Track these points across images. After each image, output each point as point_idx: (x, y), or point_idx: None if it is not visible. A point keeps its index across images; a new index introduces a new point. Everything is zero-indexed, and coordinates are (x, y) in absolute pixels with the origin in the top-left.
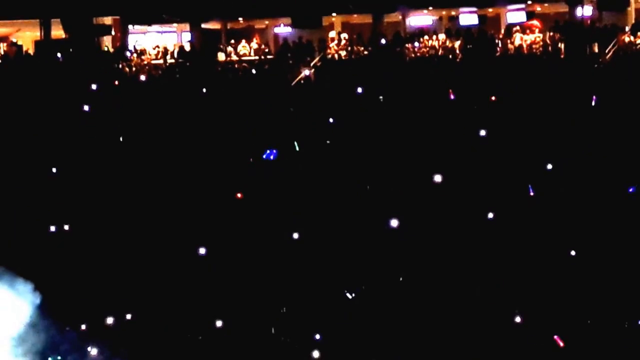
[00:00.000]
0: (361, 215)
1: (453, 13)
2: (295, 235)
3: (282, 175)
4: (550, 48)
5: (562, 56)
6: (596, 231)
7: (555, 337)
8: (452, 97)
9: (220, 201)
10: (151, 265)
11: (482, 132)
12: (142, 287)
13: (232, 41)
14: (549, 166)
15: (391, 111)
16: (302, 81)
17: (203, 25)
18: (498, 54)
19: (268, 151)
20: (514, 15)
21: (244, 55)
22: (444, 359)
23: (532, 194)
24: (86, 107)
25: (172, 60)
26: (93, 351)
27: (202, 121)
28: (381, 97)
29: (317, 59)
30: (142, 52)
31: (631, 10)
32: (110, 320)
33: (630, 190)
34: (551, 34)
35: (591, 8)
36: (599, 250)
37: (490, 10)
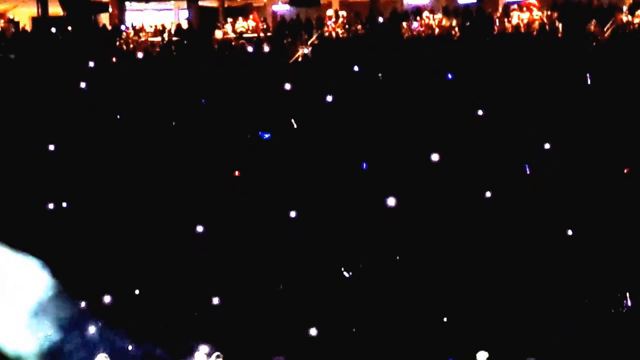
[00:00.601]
0: (358, 194)
1: None
2: (293, 214)
3: (279, 153)
4: (547, 27)
5: (559, 35)
6: (593, 210)
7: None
8: (449, 75)
9: (218, 179)
10: (149, 243)
11: (480, 112)
12: (139, 265)
13: (230, 19)
14: (547, 146)
15: (388, 90)
16: (299, 59)
17: (200, 3)
18: (495, 32)
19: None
20: None
21: (242, 32)
22: (440, 338)
23: (528, 172)
24: (83, 84)
25: (169, 38)
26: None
27: (199, 99)
28: (379, 75)
29: (314, 37)
30: (140, 30)
31: None
32: (108, 299)
33: (625, 170)
34: (549, 12)
35: None
36: (596, 230)
37: None
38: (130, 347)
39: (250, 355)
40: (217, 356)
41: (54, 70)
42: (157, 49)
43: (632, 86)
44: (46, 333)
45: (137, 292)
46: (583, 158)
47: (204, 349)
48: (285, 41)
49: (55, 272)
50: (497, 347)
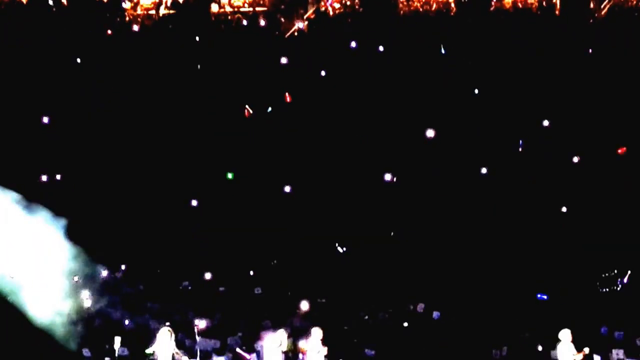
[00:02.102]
0: (354, 169)
1: None
2: (287, 189)
3: (274, 128)
4: (545, 3)
5: (557, 12)
6: (587, 187)
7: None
8: (444, 51)
9: (213, 153)
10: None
11: (475, 90)
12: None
13: None
14: (545, 122)
15: (384, 65)
16: (295, 34)
17: None
18: (492, 8)
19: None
20: None
21: (238, 7)
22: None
23: (521, 149)
24: (78, 60)
25: (166, 11)
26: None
27: (194, 72)
28: (374, 51)
29: (310, 11)
30: (137, 3)
31: None
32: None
33: (620, 151)
34: None
35: None
36: (590, 207)
37: None
38: None
39: None
40: None
41: (50, 42)
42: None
43: (629, 62)
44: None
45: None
46: (580, 134)
47: None
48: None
49: None
50: None
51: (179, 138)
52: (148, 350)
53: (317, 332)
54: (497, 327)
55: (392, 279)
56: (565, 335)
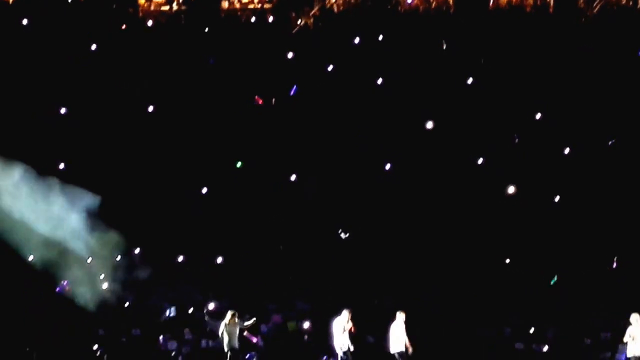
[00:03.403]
0: (356, 158)
1: None
2: (293, 177)
3: (280, 121)
4: (539, 1)
5: (550, 10)
6: (581, 178)
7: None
8: (444, 47)
9: (219, 143)
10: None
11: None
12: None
13: None
14: (538, 116)
15: (386, 60)
16: (301, 30)
17: None
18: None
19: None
20: None
21: (246, 3)
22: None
23: (516, 141)
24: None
25: (178, 7)
26: None
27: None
28: (377, 46)
29: (316, 8)
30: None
31: None
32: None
33: (610, 142)
34: None
35: None
36: (583, 199)
37: None
38: None
39: None
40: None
41: (65, 35)
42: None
43: (620, 59)
44: None
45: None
46: (573, 129)
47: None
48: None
49: None
50: None
51: (189, 129)
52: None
53: (346, 313)
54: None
55: (391, 266)
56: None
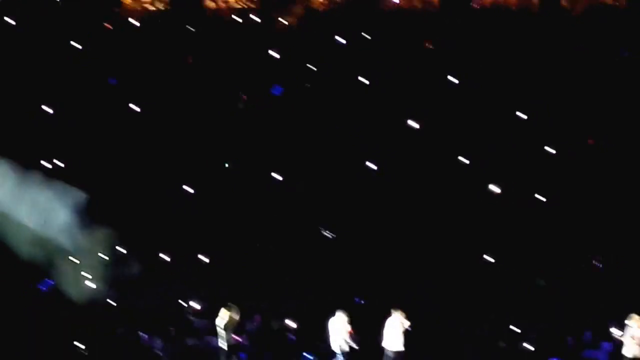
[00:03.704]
0: (340, 158)
1: None
2: (276, 176)
3: (265, 120)
4: (524, 0)
5: (535, 9)
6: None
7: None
8: (429, 46)
9: (206, 143)
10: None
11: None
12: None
13: None
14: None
15: (370, 60)
16: (285, 29)
17: None
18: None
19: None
20: None
21: (230, 2)
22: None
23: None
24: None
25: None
26: None
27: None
28: (361, 46)
29: (300, 8)
30: None
31: None
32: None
33: (590, 142)
34: None
35: None
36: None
37: None
38: None
39: None
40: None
41: (50, 35)
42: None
43: (603, 58)
44: None
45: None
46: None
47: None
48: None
49: None
50: None
51: (173, 128)
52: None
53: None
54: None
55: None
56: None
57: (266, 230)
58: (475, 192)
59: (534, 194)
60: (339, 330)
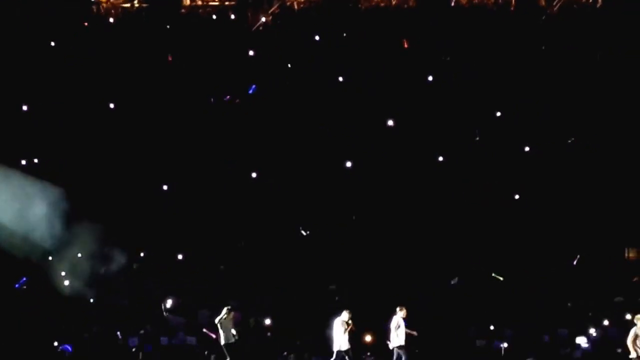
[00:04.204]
0: (319, 155)
1: None
2: (254, 175)
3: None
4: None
5: (512, 8)
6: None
7: None
8: (405, 44)
9: (188, 140)
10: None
11: (430, 78)
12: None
13: None
14: (498, 114)
15: (347, 57)
16: (261, 27)
17: None
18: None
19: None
20: None
21: (208, 1)
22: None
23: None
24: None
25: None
26: None
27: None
28: (337, 43)
29: (275, 6)
30: None
31: None
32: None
33: (570, 141)
34: None
35: None
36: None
37: None
38: None
39: None
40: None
41: (27, 32)
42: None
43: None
44: None
45: None
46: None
47: None
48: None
49: None
50: None
51: (151, 125)
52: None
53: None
54: None
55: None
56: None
57: (243, 227)
58: (454, 191)
59: (512, 193)
60: (341, 330)
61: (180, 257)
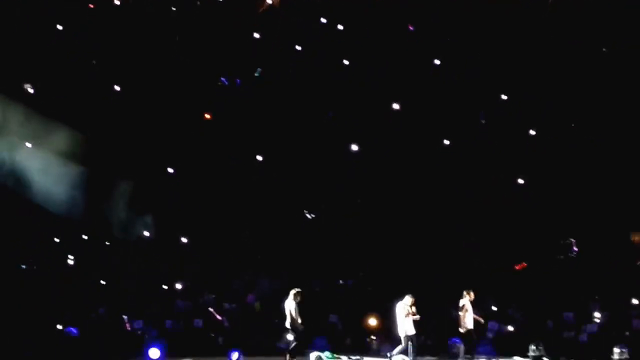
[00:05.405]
0: (322, 139)
1: None
2: (259, 158)
3: (248, 100)
4: None
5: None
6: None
7: None
8: (410, 28)
9: (189, 122)
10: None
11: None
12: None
13: None
14: (503, 97)
15: (354, 41)
16: (267, 10)
17: None
18: None
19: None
20: None
21: None
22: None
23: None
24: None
25: None
26: None
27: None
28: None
29: None
30: None
31: None
32: None
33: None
34: None
35: None
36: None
37: None
38: None
39: None
40: None
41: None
42: None
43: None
44: None
45: None
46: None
47: None
48: None
49: None
50: None
51: (157, 109)
52: None
53: (408, 298)
54: None
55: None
56: None
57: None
58: (457, 176)
59: (515, 178)
60: (403, 314)
61: (184, 240)
